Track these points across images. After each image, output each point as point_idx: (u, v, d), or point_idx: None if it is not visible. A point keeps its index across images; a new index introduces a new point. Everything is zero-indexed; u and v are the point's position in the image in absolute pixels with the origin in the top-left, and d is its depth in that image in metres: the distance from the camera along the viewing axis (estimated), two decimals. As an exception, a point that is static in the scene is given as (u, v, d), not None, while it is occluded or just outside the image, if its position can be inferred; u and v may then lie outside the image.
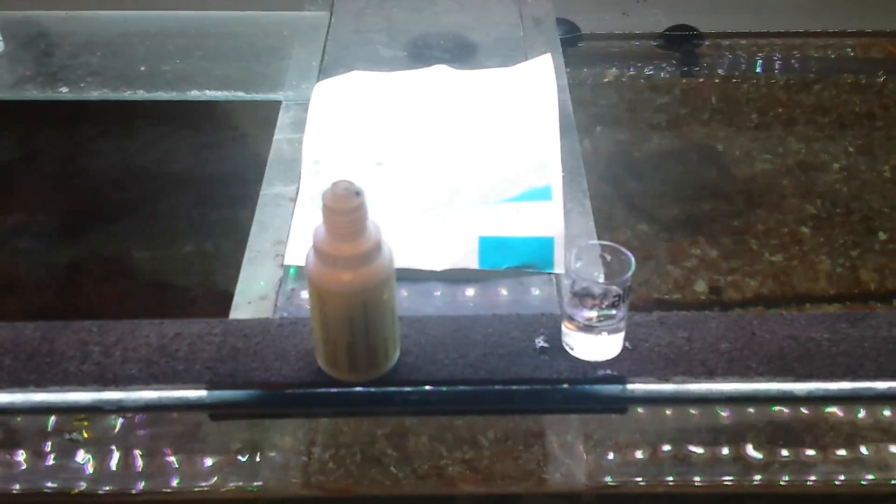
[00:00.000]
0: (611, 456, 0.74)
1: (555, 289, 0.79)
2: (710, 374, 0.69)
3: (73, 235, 1.16)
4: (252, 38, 1.19)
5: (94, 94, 1.07)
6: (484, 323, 0.72)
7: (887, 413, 0.76)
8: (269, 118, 1.02)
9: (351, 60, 1.09)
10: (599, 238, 0.81)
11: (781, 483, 0.73)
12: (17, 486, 0.70)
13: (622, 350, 0.70)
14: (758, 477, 0.73)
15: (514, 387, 0.68)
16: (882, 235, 1.20)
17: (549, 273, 0.80)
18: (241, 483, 0.72)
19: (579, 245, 0.69)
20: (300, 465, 0.72)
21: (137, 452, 0.71)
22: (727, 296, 1.13)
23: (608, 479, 0.72)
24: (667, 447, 0.74)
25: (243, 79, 1.10)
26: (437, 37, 1.16)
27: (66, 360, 0.69)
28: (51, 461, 0.71)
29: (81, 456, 0.71)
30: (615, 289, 0.66)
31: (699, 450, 0.74)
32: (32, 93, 1.08)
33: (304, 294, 0.77)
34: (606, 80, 1.43)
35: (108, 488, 0.70)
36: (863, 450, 0.75)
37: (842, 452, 0.75)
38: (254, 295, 0.78)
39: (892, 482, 0.74)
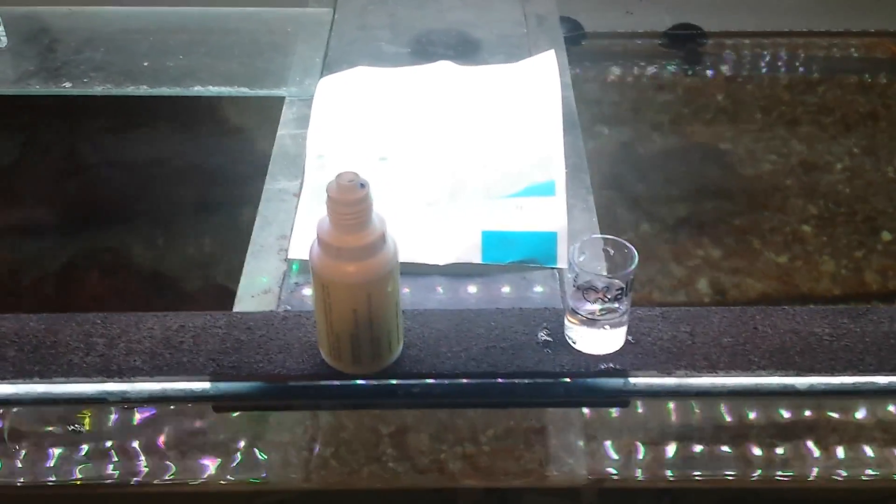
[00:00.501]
0: (611, 450, 0.74)
1: (558, 284, 0.79)
2: (713, 368, 0.69)
3: (76, 230, 1.17)
4: (255, 35, 1.19)
5: (98, 90, 1.08)
6: (487, 317, 0.72)
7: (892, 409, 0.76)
8: (272, 114, 1.02)
9: (354, 57, 1.09)
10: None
11: (781, 479, 0.74)
12: (21, 478, 0.70)
13: (624, 344, 0.70)
14: (758, 472, 0.73)
15: (517, 380, 0.68)
16: (886, 235, 1.20)
17: (552, 268, 0.80)
18: (243, 476, 0.72)
19: (582, 239, 0.69)
20: (301, 459, 0.72)
21: (140, 444, 0.71)
22: (730, 296, 1.13)
23: (610, 472, 0.72)
24: (669, 441, 0.74)
25: (246, 75, 1.10)
26: (440, 33, 1.16)
27: (71, 351, 0.69)
28: (53, 452, 0.71)
29: (84, 447, 0.71)
30: (618, 282, 0.66)
31: (699, 446, 0.75)
32: (36, 88, 1.08)
33: (308, 288, 0.77)
34: (610, 78, 1.43)
35: (109, 480, 0.70)
36: (864, 447, 0.75)
37: (843, 448, 0.75)
38: (257, 289, 0.78)
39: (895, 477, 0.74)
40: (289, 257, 0.80)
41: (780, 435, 0.75)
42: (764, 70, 1.45)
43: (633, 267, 0.66)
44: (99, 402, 0.68)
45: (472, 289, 0.79)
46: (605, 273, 0.68)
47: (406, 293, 0.77)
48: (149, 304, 1.07)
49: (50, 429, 0.72)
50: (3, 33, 1.16)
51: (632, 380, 0.69)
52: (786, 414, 0.76)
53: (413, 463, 0.72)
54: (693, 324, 0.72)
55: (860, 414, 0.77)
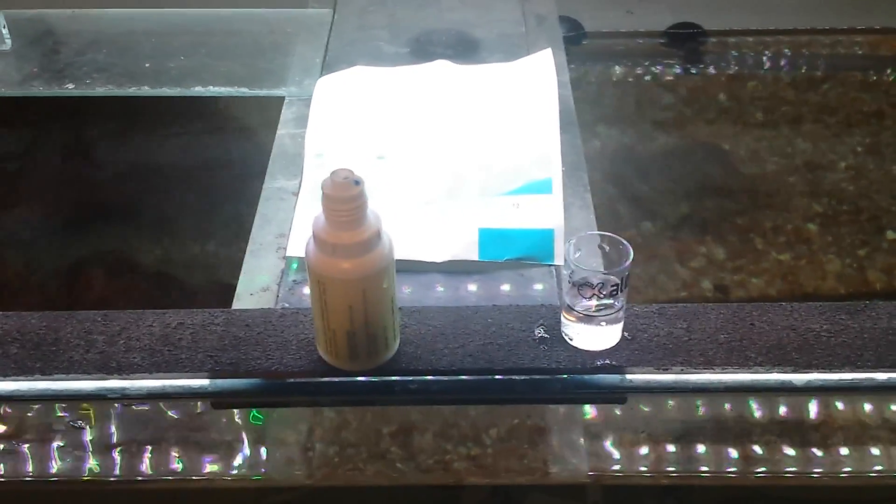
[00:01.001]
0: (613, 447, 0.74)
1: (555, 281, 0.79)
2: (709, 364, 0.69)
3: (78, 230, 1.17)
4: (256, 36, 1.20)
5: (100, 91, 1.08)
6: (484, 313, 0.73)
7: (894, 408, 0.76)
8: (272, 114, 1.03)
9: (354, 57, 1.10)
10: (602, 234, 0.81)
11: (782, 475, 0.74)
12: (24, 474, 0.70)
13: (621, 340, 0.70)
14: (762, 469, 0.73)
15: (514, 376, 0.69)
16: (891, 234, 1.20)
17: (549, 265, 0.80)
18: (244, 473, 0.72)
19: (578, 236, 0.69)
20: (301, 455, 0.72)
21: (140, 440, 0.72)
22: (734, 295, 1.13)
23: (612, 469, 0.73)
24: (670, 437, 0.74)
25: (247, 75, 1.11)
26: (439, 33, 1.17)
27: (72, 348, 0.69)
28: (56, 448, 0.72)
29: (86, 443, 0.72)
30: (613, 278, 0.66)
31: (699, 442, 0.75)
32: (39, 89, 1.09)
33: (306, 286, 0.77)
34: (610, 78, 1.43)
35: (112, 476, 0.71)
36: (866, 444, 0.74)
37: (846, 445, 0.75)
38: (256, 287, 0.79)
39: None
40: (287, 255, 0.81)
41: (780, 432, 0.75)
42: (766, 68, 1.45)
43: (629, 263, 0.66)
44: (99, 399, 0.69)
45: (469, 286, 0.79)
46: (600, 269, 0.68)
47: (403, 290, 0.77)
48: (148, 302, 1.08)
49: (51, 425, 0.73)
50: (8, 35, 1.17)
51: (628, 376, 0.69)
52: (784, 410, 0.76)
53: (417, 462, 0.72)
54: (690, 320, 0.72)
55: (860, 411, 0.77)
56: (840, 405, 0.76)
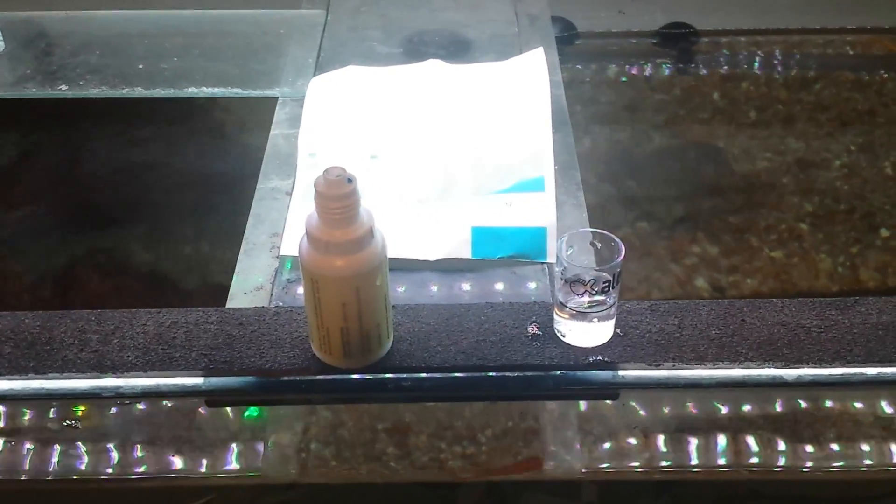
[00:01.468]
0: (606, 443, 0.74)
1: (547, 278, 0.80)
2: (701, 360, 0.69)
3: (72, 232, 1.17)
4: (249, 37, 1.20)
5: (94, 92, 1.09)
6: (477, 311, 0.73)
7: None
8: (265, 114, 1.03)
9: (347, 57, 1.10)
10: (594, 233, 0.82)
11: (778, 470, 0.74)
12: (17, 473, 0.70)
13: (613, 337, 0.71)
14: (755, 460, 0.73)
15: (507, 373, 0.69)
16: (884, 232, 1.20)
17: (542, 263, 0.81)
18: (239, 471, 0.72)
19: (570, 232, 0.70)
20: (296, 452, 0.72)
21: (135, 438, 0.72)
22: (728, 294, 1.13)
23: (605, 465, 0.73)
24: (662, 433, 0.74)
25: (240, 76, 1.11)
26: (432, 34, 1.17)
27: (65, 347, 0.70)
28: (49, 447, 0.72)
29: (80, 442, 0.72)
30: (605, 275, 0.67)
31: (692, 437, 0.75)
32: (32, 91, 1.09)
33: (300, 285, 0.77)
34: (603, 78, 1.43)
35: (105, 475, 0.71)
36: (857, 439, 0.75)
37: (837, 440, 0.75)
38: (250, 286, 0.79)
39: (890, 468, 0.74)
40: (281, 254, 0.81)
41: (771, 426, 0.76)
42: (758, 68, 1.45)
43: (620, 259, 0.66)
44: (93, 398, 0.69)
45: (462, 284, 0.79)
46: (592, 266, 0.69)
47: (397, 289, 0.78)
48: (142, 303, 1.08)
49: (45, 425, 0.73)
50: (1, 37, 1.17)
51: (620, 372, 0.70)
52: (776, 405, 0.76)
53: (411, 459, 0.72)
54: (681, 316, 0.73)
55: (850, 405, 0.77)
56: (830, 402, 0.76)
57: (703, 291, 1.13)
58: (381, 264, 0.64)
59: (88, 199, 1.21)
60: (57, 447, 0.72)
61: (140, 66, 1.13)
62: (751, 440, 0.74)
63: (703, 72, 1.45)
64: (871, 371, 0.70)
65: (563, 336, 0.70)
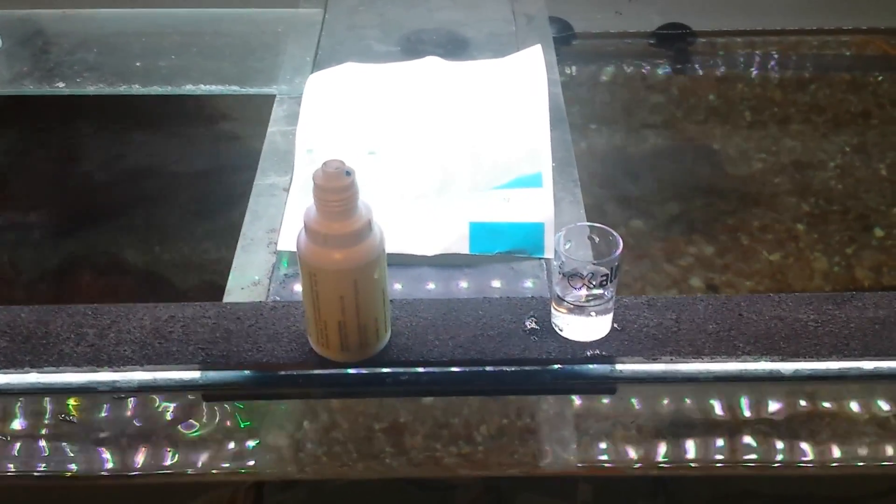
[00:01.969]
0: (602, 439, 0.74)
1: (545, 274, 0.80)
2: (698, 354, 0.70)
3: (69, 230, 1.17)
4: (247, 35, 1.20)
5: (90, 90, 1.09)
6: (474, 305, 0.73)
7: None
8: (263, 112, 1.03)
9: (344, 55, 1.10)
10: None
11: (775, 465, 0.74)
12: (12, 468, 0.70)
13: (611, 331, 0.71)
14: (753, 455, 0.74)
15: (504, 367, 0.69)
16: (879, 232, 1.21)
17: (540, 258, 0.81)
18: (234, 466, 0.72)
19: (568, 227, 0.70)
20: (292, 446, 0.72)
21: (130, 434, 0.72)
22: (722, 293, 1.13)
23: (601, 459, 0.73)
24: (658, 429, 0.74)
25: (238, 74, 1.11)
26: (430, 32, 1.17)
27: (62, 341, 0.69)
28: (44, 442, 0.72)
29: (75, 437, 0.72)
30: (603, 269, 0.67)
31: (689, 433, 0.75)
32: (30, 88, 1.09)
33: (297, 281, 0.77)
34: (600, 78, 1.44)
35: (102, 471, 0.71)
36: (853, 435, 0.75)
37: (832, 436, 0.75)
38: (247, 281, 0.79)
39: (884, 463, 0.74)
40: (278, 249, 0.81)
41: (768, 422, 0.76)
42: (754, 68, 1.46)
43: (618, 252, 0.67)
44: (89, 392, 0.69)
45: (460, 279, 0.79)
46: (590, 260, 0.69)
47: (395, 284, 0.78)
48: (139, 300, 1.07)
49: (41, 419, 0.73)
50: (-2, 35, 1.18)
51: (618, 366, 0.70)
52: (773, 399, 0.76)
53: (408, 457, 0.72)
54: (679, 311, 0.73)
55: (848, 400, 0.77)
56: (828, 396, 0.76)
57: (698, 291, 1.13)
58: (378, 257, 0.64)
59: (85, 196, 1.21)
60: (52, 442, 0.71)
61: (137, 64, 1.13)
62: (751, 435, 0.74)
63: (700, 72, 1.45)
64: (868, 365, 0.70)
65: (561, 330, 0.70)
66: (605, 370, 0.69)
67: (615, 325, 0.71)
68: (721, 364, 0.70)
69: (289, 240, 0.80)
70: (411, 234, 0.80)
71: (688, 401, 0.76)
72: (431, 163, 0.89)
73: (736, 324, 0.72)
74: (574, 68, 1.42)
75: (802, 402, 0.76)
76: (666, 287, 1.14)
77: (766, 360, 0.69)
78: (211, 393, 0.70)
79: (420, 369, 0.69)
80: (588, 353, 0.69)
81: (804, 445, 0.74)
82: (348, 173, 0.61)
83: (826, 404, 0.76)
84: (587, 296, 0.68)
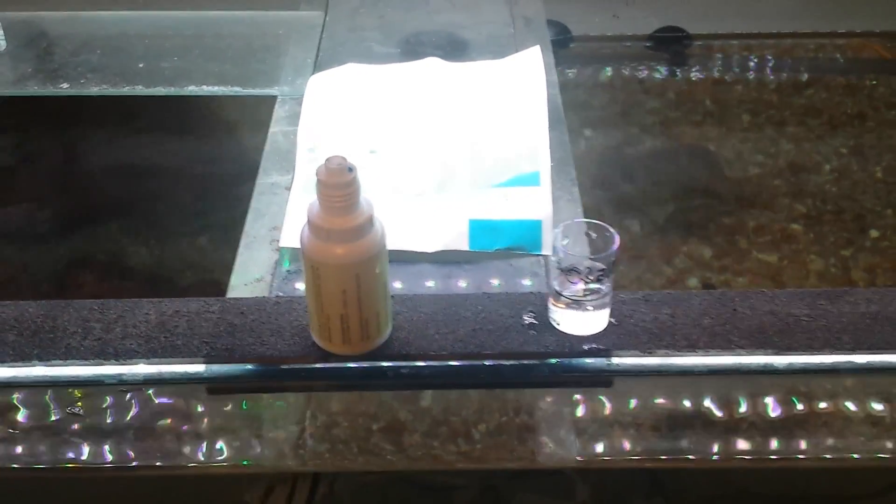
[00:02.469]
0: (599, 433, 0.75)
1: (543, 270, 0.81)
2: (693, 348, 0.71)
3: (73, 229, 1.18)
4: (248, 37, 1.21)
5: (94, 90, 1.10)
6: (474, 300, 0.74)
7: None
8: (265, 113, 1.05)
9: (345, 57, 1.12)
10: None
11: (771, 459, 0.75)
12: (19, 460, 0.71)
13: (608, 325, 0.72)
14: (743, 452, 0.74)
15: (503, 361, 0.70)
16: (874, 233, 1.21)
17: (538, 255, 0.82)
18: (236, 459, 0.73)
19: (565, 223, 0.71)
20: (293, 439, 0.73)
21: (136, 426, 0.73)
22: (718, 293, 1.14)
23: (598, 452, 0.74)
24: (654, 422, 0.75)
25: (240, 75, 1.12)
26: (429, 34, 1.19)
27: (69, 335, 0.71)
28: (52, 434, 0.72)
29: (82, 430, 0.72)
30: (600, 264, 0.68)
31: (685, 427, 0.76)
32: (34, 89, 1.11)
33: (300, 277, 0.79)
34: (597, 81, 1.45)
35: (107, 463, 0.72)
36: (848, 431, 0.76)
37: (827, 431, 0.76)
38: (250, 277, 0.80)
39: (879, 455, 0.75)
40: (281, 245, 0.82)
41: (763, 418, 0.77)
42: (751, 71, 1.47)
43: (615, 248, 0.68)
44: (96, 385, 0.70)
45: (459, 275, 0.81)
46: (587, 255, 0.70)
47: (395, 279, 0.79)
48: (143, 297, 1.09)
49: (48, 411, 0.74)
50: (3, 37, 1.19)
51: (615, 360, 0.71)
52: (768, 394, 0.77)
53: (407, 453, 0.73)
54: (674, 306, 0.74)
55: (841, 394, 0.78)
56: (824, 395, 0.77)
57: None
58: (380, 252, 0.65)
59: (89, 196, 1.22)
60: (58, 434, 0.72)
61: (141, 66, 1.14)
62: (747, 433, 0.75)
63: (696, 75, 1.46)
64: (860, 358, 0.71)
65: (559, 324, 0.72)
66: (601, 364, 0.71)
67: (612, 320, 0.72)
68: (715, 357, 0.71)
69: (291, 237, 0.82)
70: (412, 231, 0.82)
71: (683, 396, 0.77)
72: (431, 161, 0.90)
73: (730, 318, 0.73)
74: (572, 71, 1.43)
75: (792, 393, 0.77)
76: (662, 288, 1.15)
77: (759, 354, 0.71)
78: (215, 386, 0.71)
79: (420, 363, 0.70)
80: (585, 347, 0.71)
81: (797, 433, 0.75)
82: (350, 169, 0.62)
83: (823, 404, 0.77)
84: (584, 291, 0.69)
